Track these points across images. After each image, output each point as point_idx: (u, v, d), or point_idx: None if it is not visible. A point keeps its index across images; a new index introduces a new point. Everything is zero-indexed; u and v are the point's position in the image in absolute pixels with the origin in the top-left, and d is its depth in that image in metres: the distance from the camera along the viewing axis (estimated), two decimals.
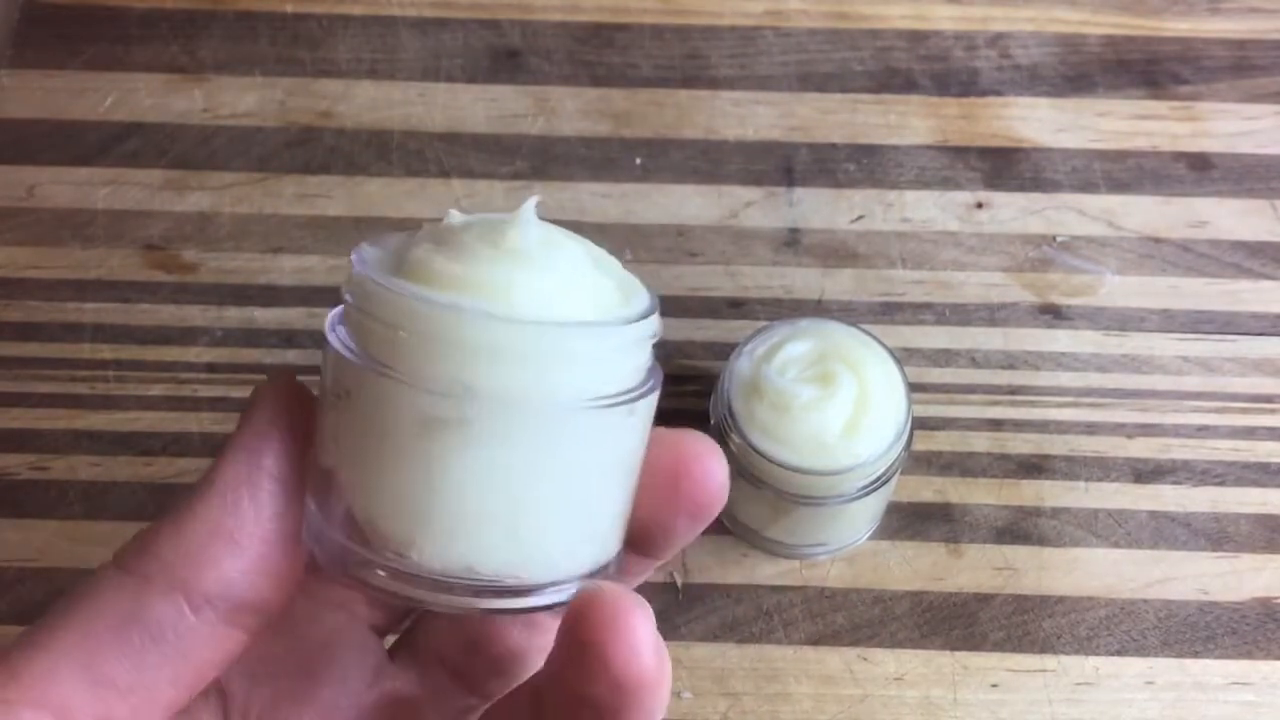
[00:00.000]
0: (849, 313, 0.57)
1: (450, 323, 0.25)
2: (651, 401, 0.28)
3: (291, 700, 0.31)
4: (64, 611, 0.27)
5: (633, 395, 0.27)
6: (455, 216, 0.28)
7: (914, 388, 0.48)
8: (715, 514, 0.30)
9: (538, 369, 0.25)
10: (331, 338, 0.27)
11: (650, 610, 0.26)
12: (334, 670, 0.32)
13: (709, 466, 0.29)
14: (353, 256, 0.28)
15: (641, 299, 0.28)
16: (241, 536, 0.27)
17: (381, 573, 0.26)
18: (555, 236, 0.28)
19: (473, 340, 0.25)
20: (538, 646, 0.33)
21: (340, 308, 0.28)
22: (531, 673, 0.32)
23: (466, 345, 0.25)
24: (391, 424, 0.26)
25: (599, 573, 0.28)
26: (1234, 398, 0.55)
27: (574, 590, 0.27)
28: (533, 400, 0.25)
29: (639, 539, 0.29)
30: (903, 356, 0.49)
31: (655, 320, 0.28)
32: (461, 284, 0.26)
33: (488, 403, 0.25)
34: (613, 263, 0.29)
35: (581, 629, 0.25)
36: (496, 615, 0.27)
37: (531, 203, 0.28)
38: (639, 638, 0.25)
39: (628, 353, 0.27)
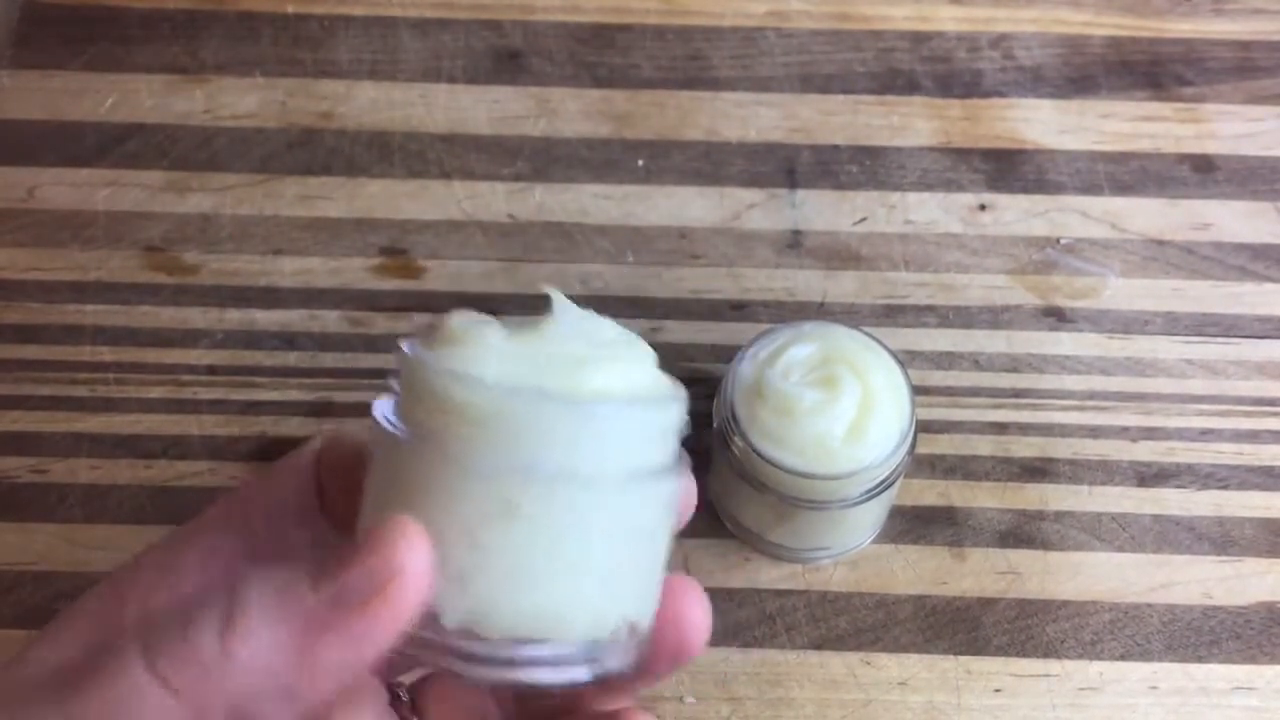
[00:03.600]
0: (851, 315, 0.56)
1: (502, 406, 0.27)
2: (669, 490, 0.30)
3: None
4: None
5: (670, 471, 0.29)
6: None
7: (917, 391, 0.48)
8: (693, 656, 0.31)
9: (589, 448, 0.27)
10: (380, 417, 0.28)
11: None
12: (348, 712, 0.32)
13: (695, 618, 0.31)
14: (404, 345, 0.29)
15: (669, 386, 0.30)
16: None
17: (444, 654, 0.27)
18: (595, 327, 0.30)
19: (527, 423, 0.27)
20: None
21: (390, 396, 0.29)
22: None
23: (522, 429, 0.27)
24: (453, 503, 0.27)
25: (627, 635, 0.29)
26: (1238, 401, 0.55)
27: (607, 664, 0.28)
28: (581, 476, 0.27)
29: None
30: (905, 359, 0.49)
31: (675, 410, 0.30)
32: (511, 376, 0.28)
33: (543, 484, 0.27)
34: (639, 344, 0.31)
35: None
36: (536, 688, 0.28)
37: (561, 298, 0.30)
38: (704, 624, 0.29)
39: (668, 432, 0.29)
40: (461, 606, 0.27)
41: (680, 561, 0.51)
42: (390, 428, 0.28)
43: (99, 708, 0.27)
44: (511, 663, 0.27)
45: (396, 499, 0.27)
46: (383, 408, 0.29)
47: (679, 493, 0.30)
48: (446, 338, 0.28)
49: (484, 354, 0.28)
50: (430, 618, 0.27)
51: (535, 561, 0.27)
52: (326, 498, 0.32)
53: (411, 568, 0.26)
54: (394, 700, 0.33)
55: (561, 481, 0.27)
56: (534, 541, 0.27)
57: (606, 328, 0.30)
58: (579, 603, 0.27)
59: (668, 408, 0.29)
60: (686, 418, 0.29)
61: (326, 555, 0.26)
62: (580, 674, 0.28)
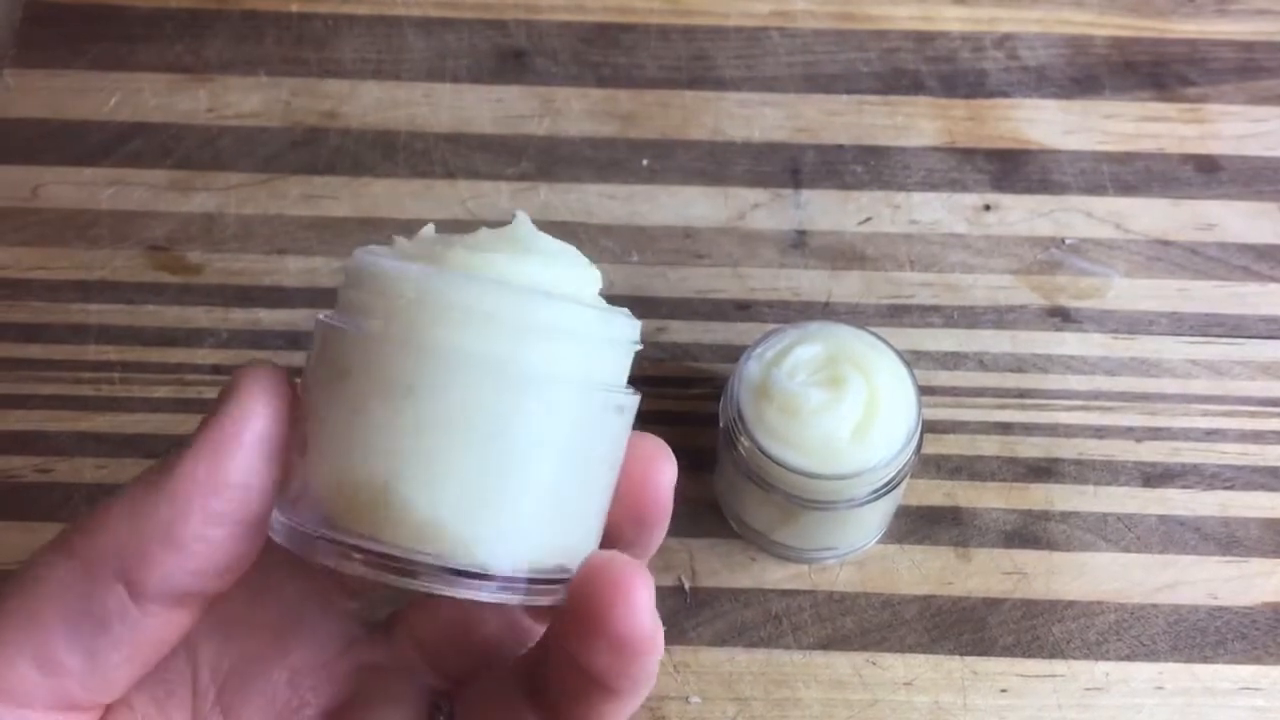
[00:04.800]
0: (856, 315, 0.56)
1: (449, 289, 0.26)
2: (633, 409, 0.29)
3: (261, 660, 0.31)
4: (13, 598, 0.27)
5: (625, 392, 0.28)
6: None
7: (922, 391, 0.48)
8: (663, 522, 0.30)
9: (535, 341, 0.26)
10: (333, 319, 0.27)
11: (652, 581, 0.27)
12: (304, 635, 0.32)
13: (659, 474, 0.30)
14: (357, 251, 0.28)
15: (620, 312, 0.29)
16: (191, 541, 0.27)
17: (357, 557, 0.26)
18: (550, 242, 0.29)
19: (459, 306, 0.26)
20: (515, 640, 0.33)
21: (337, 304, 0.28)
22: (503, 664, 0.32)
23: (455, 311, 0.26)
24: (382, 389, 0.26)
25: (567, 573, 0.28)
26: (1243, 401, 0.55)
27: (532, 586, 0.27)
28: (526, 372, 0.26)
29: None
30: (910, 359, 0.49)
31: (637, 326, 0.29)
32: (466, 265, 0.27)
33: (477, 369, 0.26)
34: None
35: (587, 590, 0.27)
36: (466, 602, 0.27)
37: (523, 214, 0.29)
38: (640, 600, 0.26)
39: (618, 348, 0.28)
40: (397, 513, 0.26)
41: (686, 560, 0.51)
42: (336, 322, 0.27)
43: (13, 586, 0.27)
44: (407, 563, 0.26)
45: (339, 408, 0.27)
46: (328, 315, 0.28)
47: (629, 425, 0.29)
48: (397, 247, 0.28)
49: (436, 255, 0.27)
50: (367, 536, 0.26)
51: (444, 454, 0.26)
52: None
53: (251, 381, 0.27)
54: (433, 713, 0.33)
55: (494, 370, 0.26)
56: (475, 440, 0.26)
57: (565, 250, 0.29)
58: (491, 517, 0.26)
59: (620, 321, 0.28)
60: (637, 342, 0.29)
61: None
62: (478, 594, 0.27)
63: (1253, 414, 0.55)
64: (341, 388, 0.27)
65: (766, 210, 0.59)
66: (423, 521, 0.26)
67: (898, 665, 0.49)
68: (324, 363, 0.27)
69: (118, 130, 0.61)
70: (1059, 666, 0.49)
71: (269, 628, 0.32)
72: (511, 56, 0.63)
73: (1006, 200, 0.60)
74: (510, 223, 0.29)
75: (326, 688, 0.32)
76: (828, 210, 0.59)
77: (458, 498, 0.26)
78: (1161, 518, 0.52)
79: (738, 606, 0.50)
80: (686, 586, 0.51)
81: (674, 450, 0.31)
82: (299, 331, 0.56)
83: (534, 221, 0.29)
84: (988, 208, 0.60)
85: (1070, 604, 0.51)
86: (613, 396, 0.28)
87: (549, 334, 0.26)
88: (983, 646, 0.50)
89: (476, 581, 0.26)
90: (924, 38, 0.64)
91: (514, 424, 0.26)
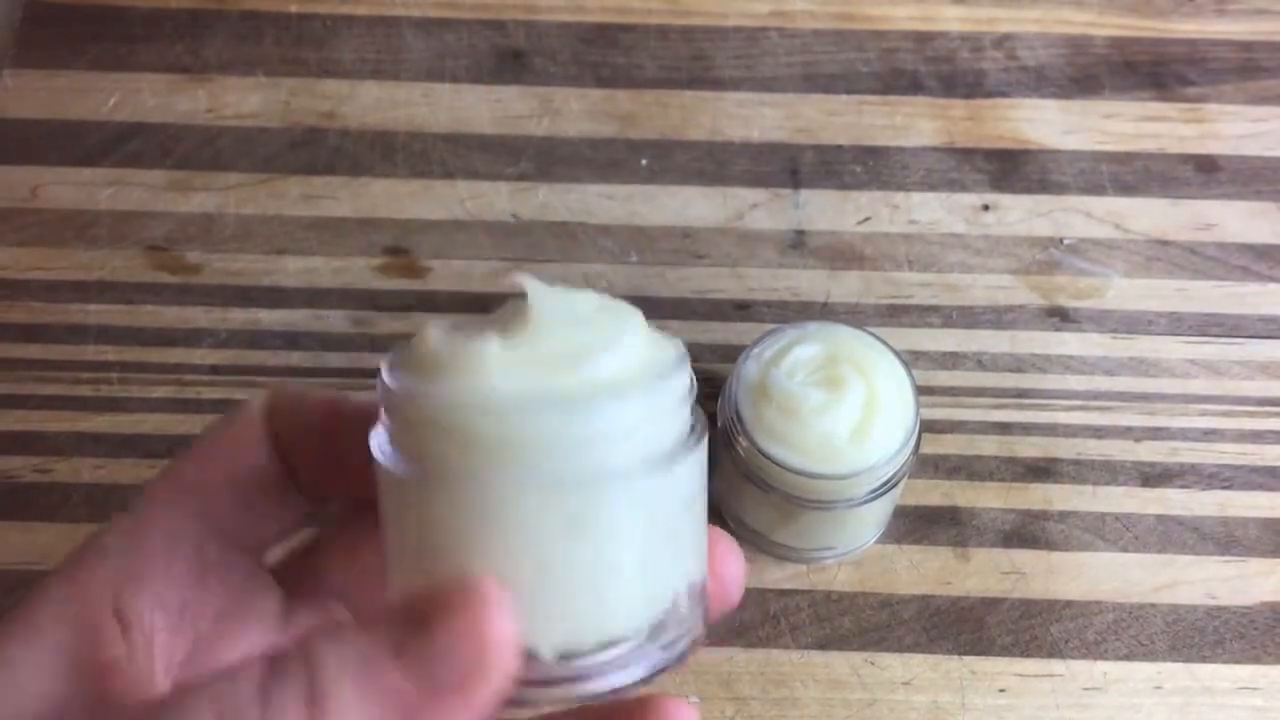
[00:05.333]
0: (855, 315, 0.56)
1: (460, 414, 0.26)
2: (703, 429, 0.29)
3: (212, 649, 0.31)
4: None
5: (695, 433, 0.28)
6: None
7: (920, 391, 0.48)
8: (733, 609, 0.31)
9: (607, 447, 0.26)
10: (397, 467, 0.27)
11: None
12: (251, 616, 0.32)
13: (732, 574, 0.30)
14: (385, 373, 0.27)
15: (668, 344, 0.29)
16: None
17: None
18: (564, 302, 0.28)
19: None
20: None
21: (381, 429, 0.28)
22: None
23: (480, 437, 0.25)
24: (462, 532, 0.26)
25: (688, 602, 0.28)
26: (1241, 401, 0.55)
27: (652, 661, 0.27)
28: (603, 477, 0.26)
29: None
30: (909, 359, 0.49)
31: (685, 374, 0.29)
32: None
33: (585, 490, 0.26)
34: (631, 314, 0.29)
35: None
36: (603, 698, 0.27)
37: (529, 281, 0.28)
38: None
39: (680, 394, 0.28)
40: (548, 636, 0.26)
41: None
42: (405, 470, 0.26)
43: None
44: (599, 672, 0.26)
45: (440, 545, 0.26)
46: (384, 446, 0.27)
47: (706, 449, 0.29)
48: (432, 362, 0.27)
49: (482, 374, 0.26)
50: (525, 658, 0.26)
51: (600, 567, 0.26)
52: (292, 465, 0.31)
53: (500, 634, 0.24)
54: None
55: (600, 483, 0.26)
56: (595, 547, 0.26)
57: (586, 301, 0.29)
58: (642, 592, 0.27)
59: (677, 373, 0.28)
60: (692, 373, 0.29)
61: (395, 615, 0.25)
62: (656, 660, 0.27)
63: (1251, 414, 0.55)
64: (419, 519, 0.27)
65: (765, 210, 0.59)
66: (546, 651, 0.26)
67: (896, 665, 0.49)
68: (395, 501, 0.27)
69: (117, 130, 0.61)
70: (1057, 666, 0.49)
71: (215, 617, 0.31)
72: (511, 57, 0.63)
73: (1005, 200, 0.60)
74: (519, 296, 0.28)
75: None
76: (826, 210, 0.59)
77: (571, 612, 0.26)
78: (1160, 517, 0.52)
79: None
80: None
81: None
82: (298, 331, 0.56)
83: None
84: (987, 208, 0.60)
85: (1069, 604, 0.51)
86: (696, 448, 0.28)
87: (616, 436, 0.26)
88: (981, 646, 0.50)
89: (613, 658, 0.27)
90: (923, 38, 0.64)
91: (602, 523, 0.26)
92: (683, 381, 0.28)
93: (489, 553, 0.26)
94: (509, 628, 0.24)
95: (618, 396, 0.26)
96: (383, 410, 0.27)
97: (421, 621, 0.24)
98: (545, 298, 0.28)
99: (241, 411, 0.31)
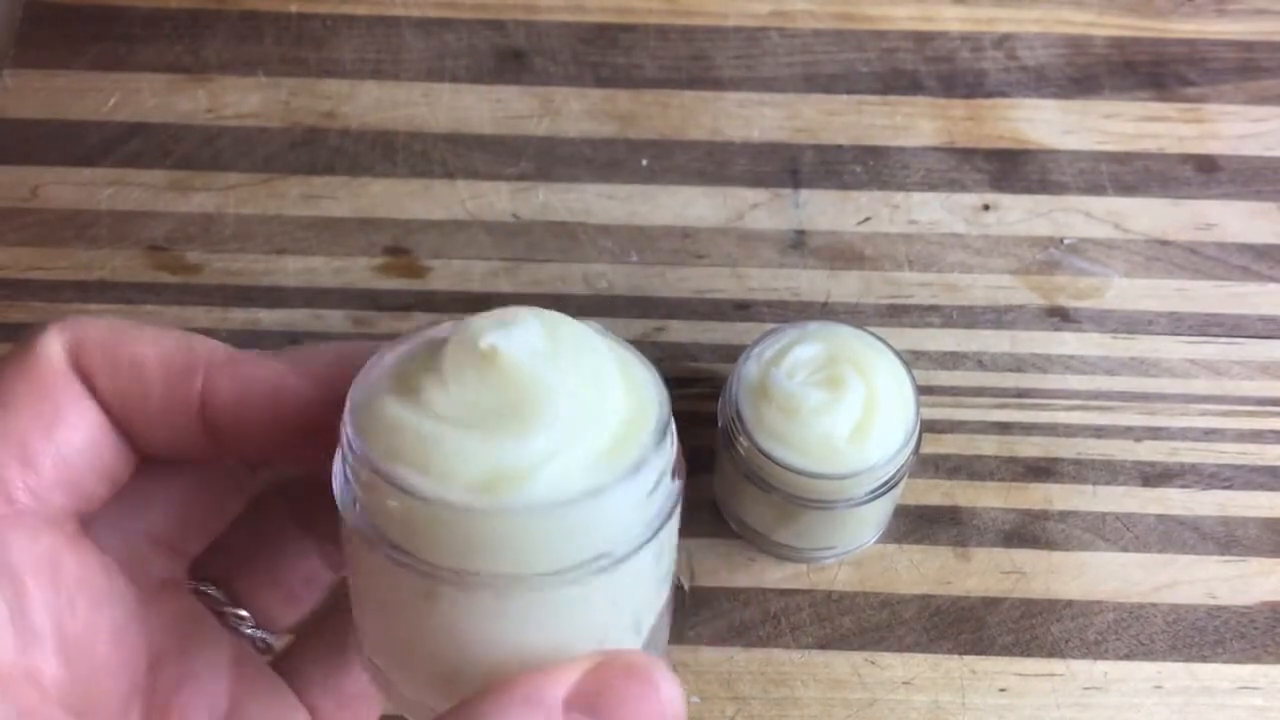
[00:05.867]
0: (855, 315, 0.56)
1: (451, 520, 0.25)
2: (671, 526, 0.27)
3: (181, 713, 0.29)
4: None
5: (667, 505, 0.27)
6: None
7: (921, 391, 0.48)
8: None
9: (538, 550, 0.25)
10: (400, 557, 0.26)
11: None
12: (188, 660, 0.30)
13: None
14: (347, 426, 0.26)
15: (648, 421, 0.27)
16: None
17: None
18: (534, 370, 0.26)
19: (474, 534, 0.25)
20: (328, 576, 0.32)
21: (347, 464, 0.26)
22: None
23: (470, 539, 0.25)
24: (393, 591, 0.26)
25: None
26: (1242, 401, 0.55)
27: None
28: (533, 575, 0.25)
29: None
30: (910, 359, 0.49)
31: (670, 423, 0.27)
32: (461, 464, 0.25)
33: (485, 579, 0.25)
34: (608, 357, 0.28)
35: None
36: None
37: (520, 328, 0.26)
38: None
39: (662, 474, 0.27)
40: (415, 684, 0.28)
41: (685, 560, 0.51)
42: (402, 561, 0.25)
43: None
44: None
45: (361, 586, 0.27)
46: (351, 506, 0.26)
47: (678, 507, 0.27)
48: (384, 426, 0.25)
49: (453, 477, 0.24)
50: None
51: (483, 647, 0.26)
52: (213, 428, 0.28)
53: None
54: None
55: (591, 568, 0.25)
56: (484, 630, 0.26)
57: (571, 358, 0.27)
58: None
59: (651, 464, 0.26)
60: (674, 431, 0.27)
61: None
62: None
63: (1251, 413, 0.55)
64: (414, 607, 0.26)
65: (765, 210, 0.59)
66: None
67: (896, 665, 0.49)
68: (388, 582, 0.27)
69: (117, 130, 0.61)
70: (1057, 666, 0.49)
71: (175, 679, 0.29)
72: (511, 56, 0.63)
73: (1005, 200, 0.60)
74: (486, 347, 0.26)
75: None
76: (827, 210, 0.59)
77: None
78: (1160, 517, 0.52)
79: (736, 606, 0.50)
80: (685, 586, 0.51)
81: None
82: (298, 331, 0.56)
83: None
84: (987, 208, 0.60)
85: (1069, 603, 0.51)
86: (667, 524, 0.27)
87: (605, 526, 0.25)
88: (981, 646, 0.50)
89: None
90: (923, 38, 0.64)
91: (591, 601, 0.26)
92: (659, 465, 0.26)
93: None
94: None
95: (582, 502, 0.25)
96: (348, 453, 0.26)
97: None
98: (511, 353, 0.26)
99: (37, 359, 0.26)
